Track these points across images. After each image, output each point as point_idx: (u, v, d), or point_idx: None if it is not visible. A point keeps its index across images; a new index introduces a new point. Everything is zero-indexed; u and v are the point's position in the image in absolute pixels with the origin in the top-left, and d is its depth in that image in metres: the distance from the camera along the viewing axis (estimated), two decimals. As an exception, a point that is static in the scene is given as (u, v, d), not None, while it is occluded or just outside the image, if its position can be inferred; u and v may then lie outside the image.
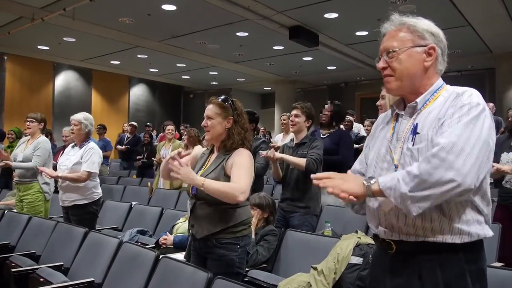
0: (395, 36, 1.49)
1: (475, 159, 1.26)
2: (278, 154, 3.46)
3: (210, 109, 2.41)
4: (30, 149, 4.53)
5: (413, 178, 1.27)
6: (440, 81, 1.51)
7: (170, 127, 6.61)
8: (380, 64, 1.51)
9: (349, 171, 1.50)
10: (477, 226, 1.38)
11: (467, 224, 1.37)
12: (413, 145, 1.41)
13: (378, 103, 2.59)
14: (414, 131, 1.43)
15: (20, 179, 4.53)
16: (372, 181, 1.36)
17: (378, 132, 1.62)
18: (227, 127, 2.40)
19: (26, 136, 4.90)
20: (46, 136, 6.50)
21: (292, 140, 3.68)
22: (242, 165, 2.31)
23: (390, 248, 1.46)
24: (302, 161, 3.39)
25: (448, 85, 1.52)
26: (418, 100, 1.48)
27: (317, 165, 3.39)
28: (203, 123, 2.42)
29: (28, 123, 4.65)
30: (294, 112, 3.59)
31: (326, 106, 4.20)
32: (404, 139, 1.46)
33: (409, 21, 1.49)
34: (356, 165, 1.69)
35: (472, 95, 1.38)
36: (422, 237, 1.39)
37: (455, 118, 1.33)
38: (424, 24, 1.49)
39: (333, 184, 1.38)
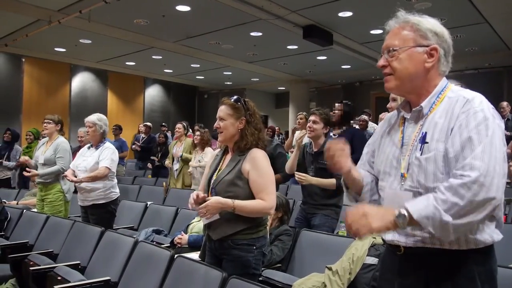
0: (398, 34, 1.45)
1: (503, 174, 1.26)
2: (309, 178, 3.43)
3: (222, 110, 2.39)
4: (50, 151, 4.59)
5: (453, 205, 1.23)
6: (444, 82, 1.46)
7: (178, 125, 6.68)
8: (380, 62, 1.47)
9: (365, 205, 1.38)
10: (487, 232, 1.35)
11: (476, 232, 1.33)
12: (421, 155, 1.38)
13: (388, 105, 2.55)
14: (423, 140, 1.39)
15: (41, 180, 4.61)
16: (403, 213, 1.27)
17: (386, 135, 1.58)
18: (239, 128, 2.37)
19: (44, 137, 4.98)
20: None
21: (311, 144, 3.64)
22: (263, 172, 2.31)
23: (399, 249, 1.45)
24: (331, 182, 3.39)
25: (453, 85, 1.48)
26: (423, 104, 1.43)
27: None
28: (215, 124, 2.40)
29: (45, 124, 4.74)
30: (312, 118, 3.55)
31: (336, 105, 4.18)
32: (412, 147, 1.42)
33: (413, 19, 1.44)
34: (361, 166, 1.67)
35: (482, 102, 1.35)
36: (430, 244, 1.36)
37: (472, 127, 1.29)
38: (429, 23, 1.44)
39: (359, 225, 1.30)
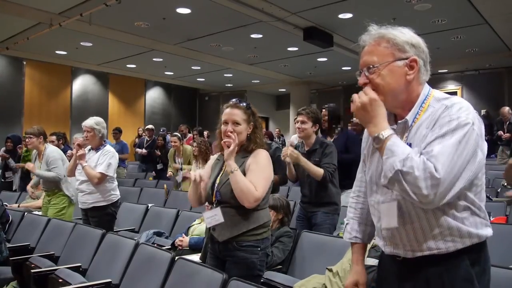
0: (375, 50, 1.44)
1: (458, 179, 1.27)
2: (297, 154, 3.39)
3: (237, 114, 2.36)
4: (44, 165, 4.55)
5: (408, 173, 1.25)
6: (426, 90, 1.46)
7: (173, 138, 6.61)
8: (361, 80, 1.46)
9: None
10: (475, 227, 1.38)
11: (466, 227, 1.36)
12: None
13: None
14: None
15: (44, 187, 4.64)
16: (381, 138, 1.35)
17: (371, 144, 1.57)
18: (248, 132, 2.40)
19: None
20: (59, 139, 6.61)
21: (303, 144, 3.64)
22: (262, 168, 2.32)
23: (398, 256, 1.47)
24: (319, 172, 3.38)
25: (435, 90, 1.47)
26: (408, 117, 1.44)
27: (332, 176, 3.45)
28: (228, 128, 2.33)
29: (27, 139, 4.63)
30: (299, 118, 3.53)
31: (323, 111, 4.23)
32: None
33: (388, 34, 1.43)
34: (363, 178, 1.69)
35: (461, 109, 1.33)
36: (427, 251, 1.39)
37: (443, 132, 1.30)
38: (404, 35, 1.43)
39: (360, 118, 1.42)
